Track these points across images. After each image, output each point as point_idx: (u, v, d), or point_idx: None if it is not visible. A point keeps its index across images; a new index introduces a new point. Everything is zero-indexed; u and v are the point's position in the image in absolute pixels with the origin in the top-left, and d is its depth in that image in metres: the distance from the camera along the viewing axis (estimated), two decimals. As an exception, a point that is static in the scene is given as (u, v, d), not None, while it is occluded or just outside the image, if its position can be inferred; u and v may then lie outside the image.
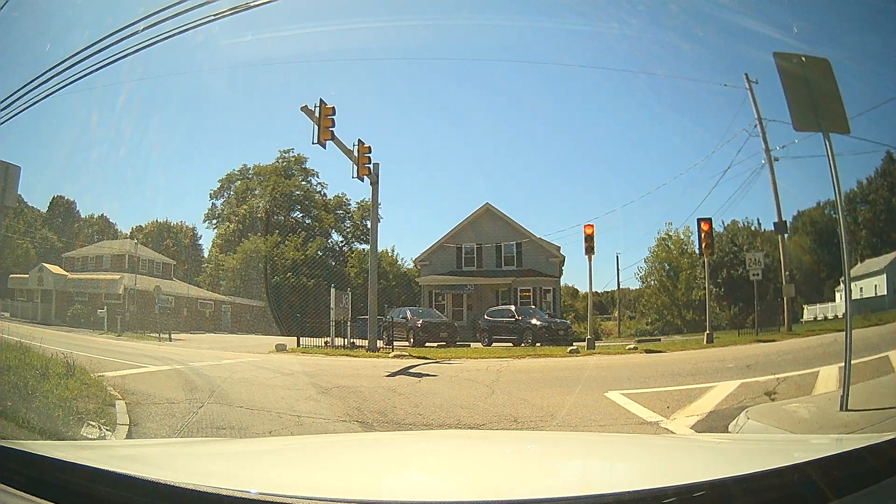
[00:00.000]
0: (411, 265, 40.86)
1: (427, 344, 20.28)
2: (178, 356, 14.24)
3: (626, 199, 44.97)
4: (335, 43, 48.85)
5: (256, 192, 44.54)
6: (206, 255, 47.10)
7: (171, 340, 22.71)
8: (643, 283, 37.64)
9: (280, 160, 44.91)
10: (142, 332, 25.59)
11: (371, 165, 18.09)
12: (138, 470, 1.56)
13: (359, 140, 17.62)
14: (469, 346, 20.52)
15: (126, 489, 1.40)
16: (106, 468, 1.52)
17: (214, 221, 46.11)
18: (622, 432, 5.76)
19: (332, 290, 19.38)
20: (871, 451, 1.53)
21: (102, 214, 47.87)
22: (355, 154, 17.43)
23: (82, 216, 48.24)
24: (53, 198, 48.22)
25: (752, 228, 35.60)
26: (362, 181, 17.99)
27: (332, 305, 18.87)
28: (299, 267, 36.57)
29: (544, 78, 50.46)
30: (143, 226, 46.93)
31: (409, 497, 1.53)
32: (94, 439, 4.97)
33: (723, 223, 35.61)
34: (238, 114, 57.42)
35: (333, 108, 15.88)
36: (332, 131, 15.81)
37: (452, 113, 59.28)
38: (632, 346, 17.59)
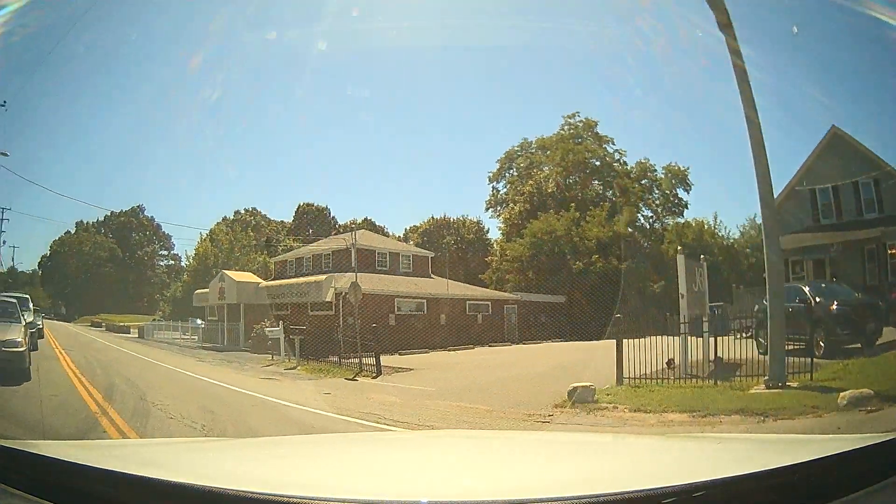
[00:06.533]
0: (738, 234, 32.54)
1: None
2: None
3: None
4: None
5: (545, 168, 37.64)
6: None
7: (378, 375, 13.77)
8: None
9: (565, 127, 37.08)
10: (331, 360, 16.65)
11: None
12: (139, 470, 1.54)
13: None
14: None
15: (127, 489, 1.41)
16: (107, 468, 1.52)
17: (498, 208, 39.74)
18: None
19: (680, 258, 11.36)
20: (872, 451, 1.53)
21: (366, 217, 43.76)
22: None
23: (339, 222, 45.18)
24: (299, 206, 47.21)
25: None
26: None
27: (683, 290, 10.69)
28: (606, 248, 29.49)
29: None
30: (419, 225, 43.81)
31: (412, 497, 1.46)
32: (95, 440, 5.00)
33: None
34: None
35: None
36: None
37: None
38: None
